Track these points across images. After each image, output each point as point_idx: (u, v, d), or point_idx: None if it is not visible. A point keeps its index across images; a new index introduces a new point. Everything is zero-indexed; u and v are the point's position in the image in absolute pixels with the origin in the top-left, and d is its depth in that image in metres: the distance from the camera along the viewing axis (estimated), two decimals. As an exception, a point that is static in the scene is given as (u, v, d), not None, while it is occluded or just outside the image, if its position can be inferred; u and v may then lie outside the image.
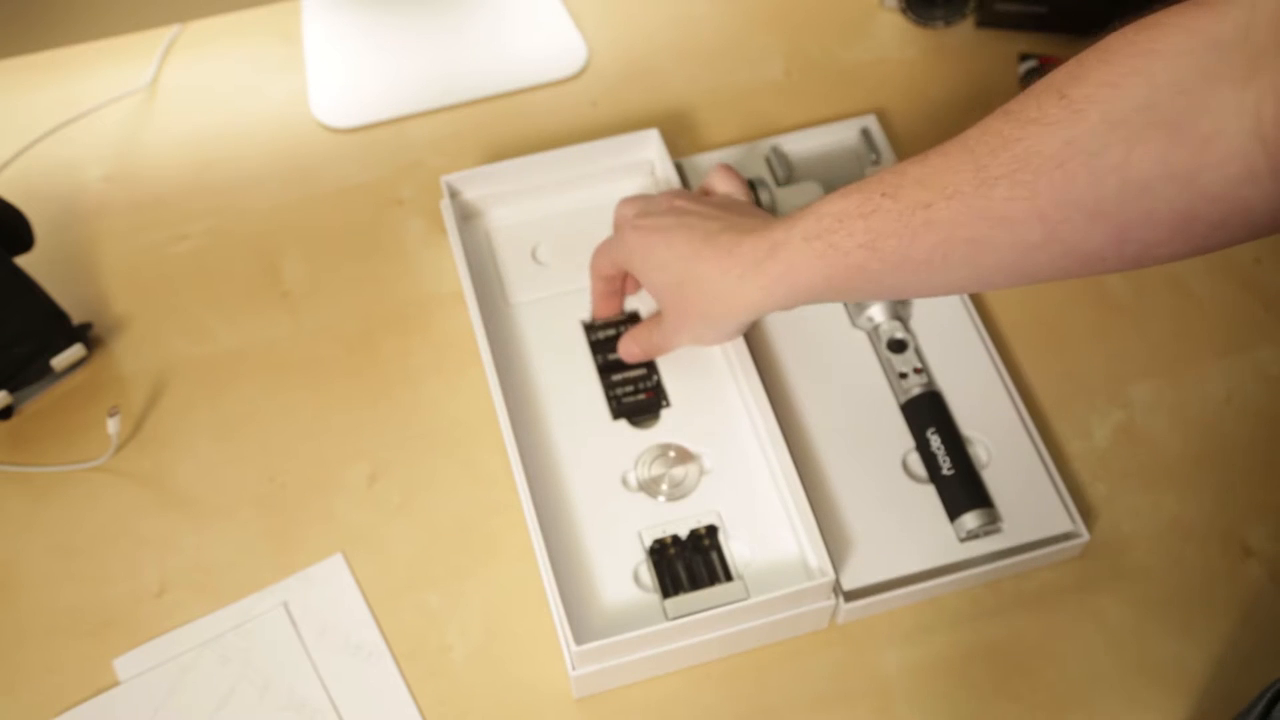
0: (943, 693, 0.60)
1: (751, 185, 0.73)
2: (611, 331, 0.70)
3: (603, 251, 0.67)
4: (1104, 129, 0.44)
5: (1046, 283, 0.50)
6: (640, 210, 0.64)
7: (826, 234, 0.53)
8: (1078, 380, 0.70)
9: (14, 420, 0.69)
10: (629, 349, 0.67)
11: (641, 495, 0.64)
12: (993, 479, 0.64)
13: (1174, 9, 0.44)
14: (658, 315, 0.65)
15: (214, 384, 0.70)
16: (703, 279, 0.59)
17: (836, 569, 0.61)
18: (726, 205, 0.63)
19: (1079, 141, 0.44)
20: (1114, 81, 0.44)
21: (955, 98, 0.83)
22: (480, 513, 0.65)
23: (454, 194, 0.73)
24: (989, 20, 0.85)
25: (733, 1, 0.89)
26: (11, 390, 0.68)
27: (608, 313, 0.70)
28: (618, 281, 0.68)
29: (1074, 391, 0.69)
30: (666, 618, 0.60)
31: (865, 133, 0.78)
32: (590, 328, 0.70)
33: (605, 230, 0.74)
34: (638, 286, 0.70)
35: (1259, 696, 0.52)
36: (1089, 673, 0.61)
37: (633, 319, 0.70)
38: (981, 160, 0.47)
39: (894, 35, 0.86)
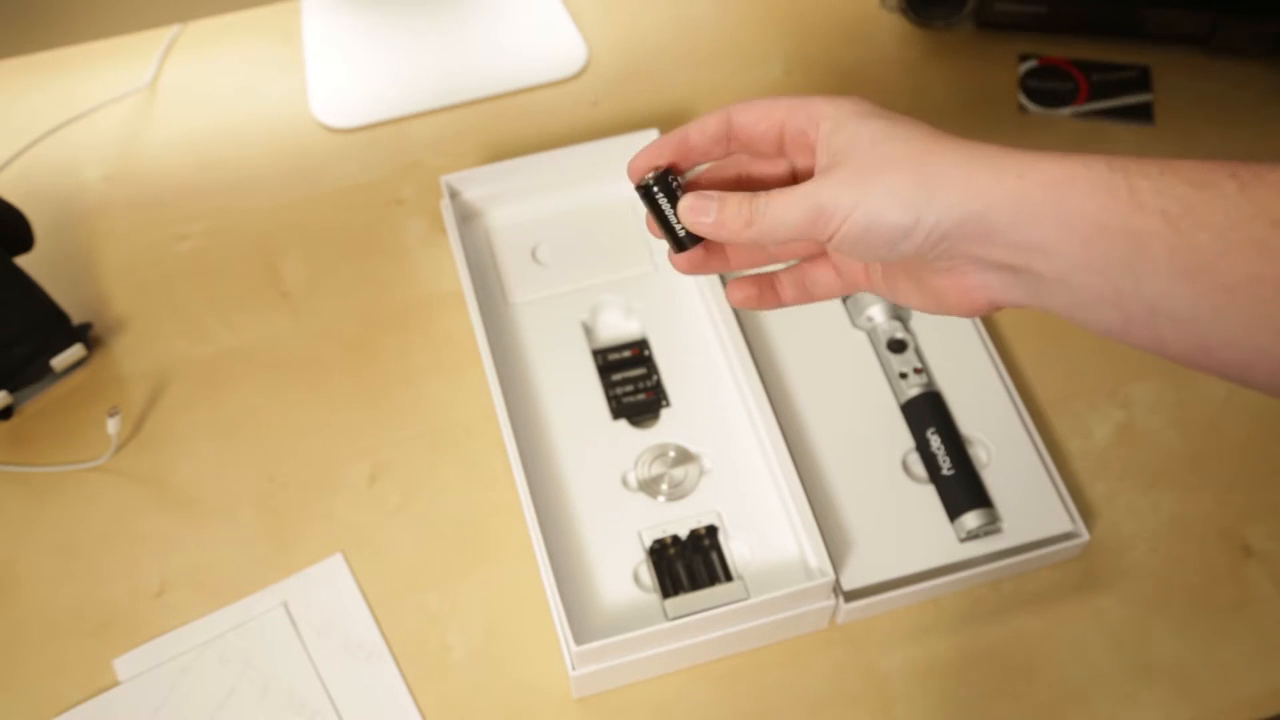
0: (943, 693, 0.60)
1: (752, 185, 0.73)
2: (618, 354, 0.69)
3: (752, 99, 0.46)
4: None
5: None
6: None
7: (1129, 171, 0.38)
8: (1078, 380, 0.70)
9: (14, 420, 0.69)
10: (695, 218, 0.45)
11: (641, 495, 0.64)
12: (993, 479, 0.64)
13: None
14: (823, 172, 0.43)
15: (214, 384, 0.70)
16: (943, 146, 0.41)
17: (836, 569, 0.61)
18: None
19: None
20: None
21: (955, 98, 0.83)
22: (480, 513, 0.65)
23: (454, 194, 0.73)
24: (989, 20, 0.85)
25: (733, 1, 0.89)
26: (11, 390, 0.68)
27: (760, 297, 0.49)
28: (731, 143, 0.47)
29: (1074, 391, 0.69)
30: (666, 618, 0.60)
31: (865, 133, 0.78)
32: (590, 329, 0.70)
33: (605, 230, 0.74)
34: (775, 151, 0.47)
35: None
36: (1089, 673, 0.61)
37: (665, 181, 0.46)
38: None
39: (894, 35, 0.86)
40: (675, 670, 0.60)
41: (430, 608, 0.63)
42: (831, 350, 0.69)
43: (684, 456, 0.65)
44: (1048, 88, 0.83)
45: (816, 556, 0.60)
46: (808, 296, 0.49)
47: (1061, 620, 0.62)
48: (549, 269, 0.73)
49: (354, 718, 0.59)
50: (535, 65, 0.84)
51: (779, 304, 0.50)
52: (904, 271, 0.45)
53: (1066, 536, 0.63)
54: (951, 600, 0.62)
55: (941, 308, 0.45)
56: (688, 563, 0.62)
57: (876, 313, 0.69)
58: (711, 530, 0.63)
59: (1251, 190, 0.36)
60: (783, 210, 0.43)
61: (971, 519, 0.62)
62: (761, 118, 0.45)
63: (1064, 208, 0.39)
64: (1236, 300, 0.36)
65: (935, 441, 0.65)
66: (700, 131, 0.46)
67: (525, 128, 0.81)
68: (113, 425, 0.66)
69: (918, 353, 0.69)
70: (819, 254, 0.49)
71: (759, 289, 0.49)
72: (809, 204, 0.42)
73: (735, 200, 0.44)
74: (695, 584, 0.61)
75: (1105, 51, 0.85)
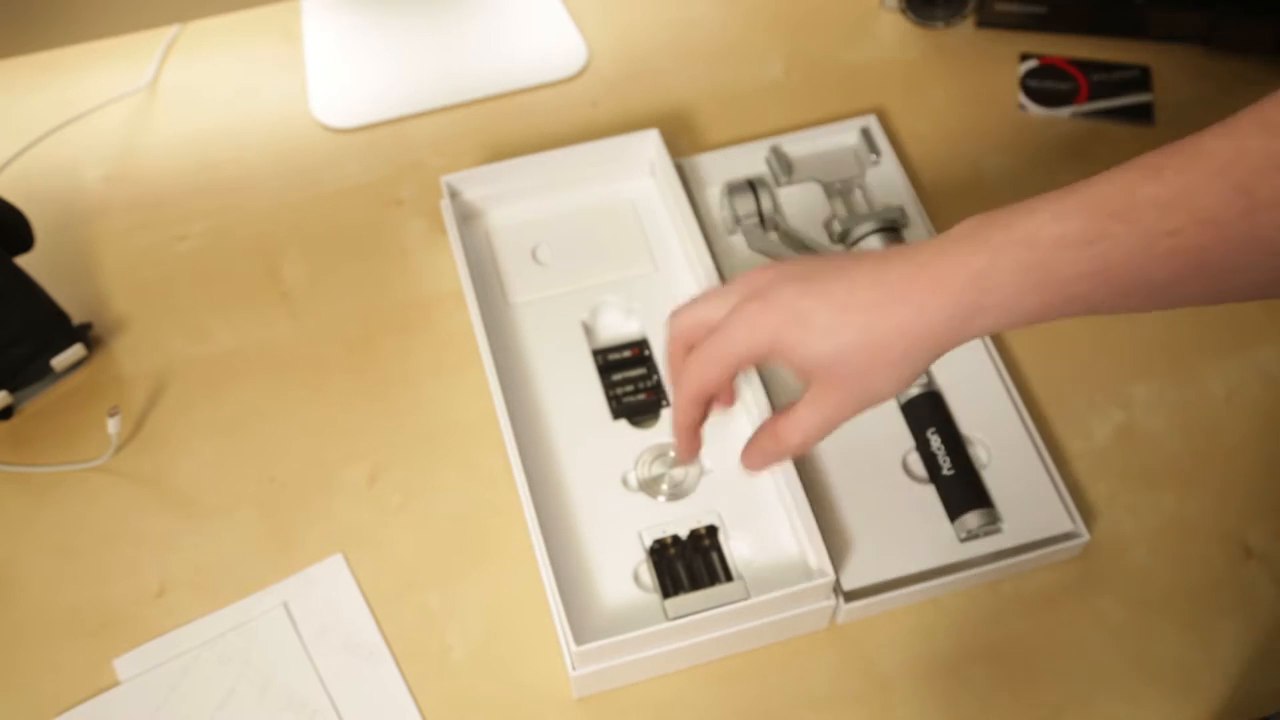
0: (943, 693, 0.60)
1: (751, 185, 0.73)
2: (618, 354, 0.70)
3: (714, 358, 0.51)
4: None
5: None
6: (746, 294, 0.51)
7: (1044, 264, 0.45)
8: (1078, 380, 0.70)
9: (14, 420, 0.69)
10: (760, 464, 0.54)
11: (641, 495, 0.64)
12: (993, 479, 0.64)
13: None
14: (811, 394, 0.51)
15: (214, 384, 0.70)
16: (888, 328, 0.48)
17: (836, 569, 0.61)
18: (829, 255, 0.53)
19: None
20: None
21: (955, 98, 0.83)
22: (480, 513, 0.65)
23: (454, 194, 0.73)
24: (989, 20, 0.85)
25: (733, 1, 0.89)
26: (11, 390, 0.68)
27: (697, 449, 0.57)
28: (707, 404, 0.54)
29: (1074, 391, 0.69)
30: (666, 618, 0.60)
31: (865, 133, 0.78)
32: (590, 329, 0.70)
33: (605, 230, 0.74)
34: (732, 399, 0.57)
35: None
36: (1089, 673, 0.61)
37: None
38: (1244, 183, 0.41)
39: (894, 35, 0.86)
40: (675, 670, 0.60)
41: (430, 608, 0.63)
42: (831, 350, 0.69)
43: (684, 456, 0.65)
44: (1048, 88, 0.83)
45: (816, 556, 0.60)
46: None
47: (1061, 620, 0.62)
48: (549, 269, 0.73)
49: (354, 718, 0.59)
50: (535, 65, 0.84)
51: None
52: None
53: (1066, 536, 0.63)
54: (951, 600, 0.62)
55: None
56: (688, 563, 0.62)
57: (876, 313, 0.69)
58: (711, 530, 0.63)
59: (1129, 218, 0.44)
60: (809, 435, 0.52)
61: (971, 519, 0.62)
62: (725, 382, 0.52)
63: (1010, 317, 0.47)
64: (1166, 293, 0.45)
65: (935, 441, 0.65)
66: (693, 419, 0.55)
67: (525, 128, 0.81)
68: (113, 425, 0.66)
69: (918, 353, 0.68)
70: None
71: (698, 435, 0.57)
72: (827, 424, 0.52)
73: (770, 446, 0.53)
74: (695, 584, 0.61)
75: (1105, 51, 0.85)
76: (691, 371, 0.52)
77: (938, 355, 0.49)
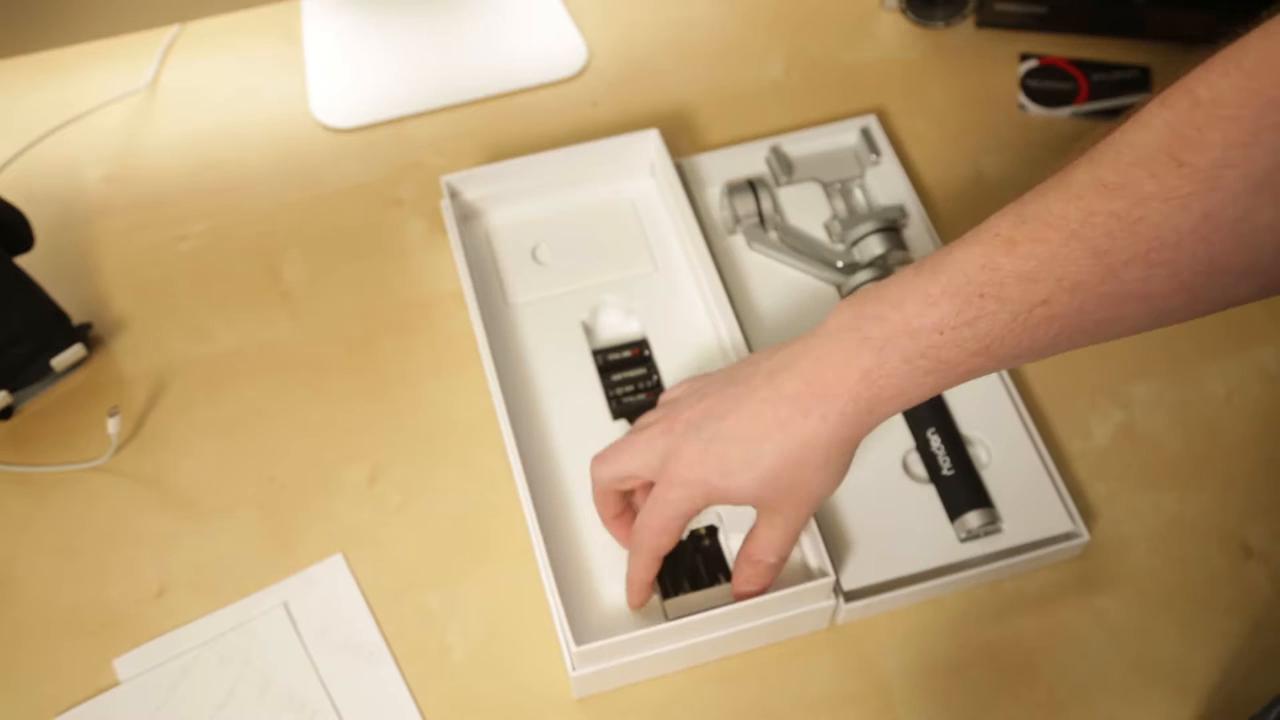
0: (943, 693, 0.60)
1: (751, 185, 0.73)
2: (618, 354, 0.70)
3: (661, 526, 0.55)
4: (1246, 193, 0.39)
5: None
6: (660, 453, 0.54)
7: (931, 351, 0.47)
8: (1078, 380, 0.70)
9: (14, 420, 0.69)
10: (754, 588, 0.58)
11: (641, 495, 0.64)
12: (993, 479, 0.64)
13: (1258, 36, 0.40)
14: (763, 519, 0.55)
15: (214, 384, 0.70)
16: (800, 440, 0.51)
17: (836, 569, 0.61)
18: (710, 381, 0.56)
19: (1221, 212, 0.40)
20: (1246, 141, 0.39)
21: (955, 98, 0.83)
22: (480, 513, 0.65)
23: (454, 194, 0.73)
24: (989, 20, 0.85)
25: (733, 1, 0.89)
26: (11, 390, 0.68)
27: (648, 597, 0.60)
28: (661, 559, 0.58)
29: (1074, 391, 0.69)
30: (666, 618, 0.60)
31: (865, 133, 0.78)
32: (590, 329, 0.70)
33: (605, 230, 0.74)
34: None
35: (1270, 704, 0.52)
36: (1089, 673, 0.61)
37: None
38: (1098, 245, 0.43)
39: (894, 35, 0.86)
40: (675, 670, 0.60)
41: (430, 608, 0.63)
42: (831, 350, 0.69)
43: (684, 456, 0.65)
44: (1048, 88, 0.83)
45: (816, 556, 0.60)
46: None
47: (1061, 620, 0.62)
48: (549, 269, 0.73)
49: (354, 718, 0.59)
50: (535, 65, 0.84)
51: None
52: None
53: (1066, 536, 0.63)
54: (951, 600, 0.62)
55: None
56: (688, 563, 0.62)
57: (876, 313, 0.69)
58: (712, 530, 0.63)
59: (999, 295, 0.45)
60: (782, 551, 0.56)
61: (972, 519, 0.62)
62: (677, 538, 0.56)
63: (912, 398, 0.50)
64: (1054, 349, 0.48)
65: (935, 441, 0.65)
66: (652, 574, 0.58)
67: (525, 128, 0.81)
68: (113, 425, 0.66)
69: (918, 353, 0.69)
70: None
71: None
72: (790, 536, 0.56)
73: (754, 572, 0.57)
74: (695, 584, 0.61)
75: (1105, 51, 0.85)
76: (646, 542, 0.56)
77: (857, 444, 0.52)
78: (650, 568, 0.58)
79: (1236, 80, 0.40)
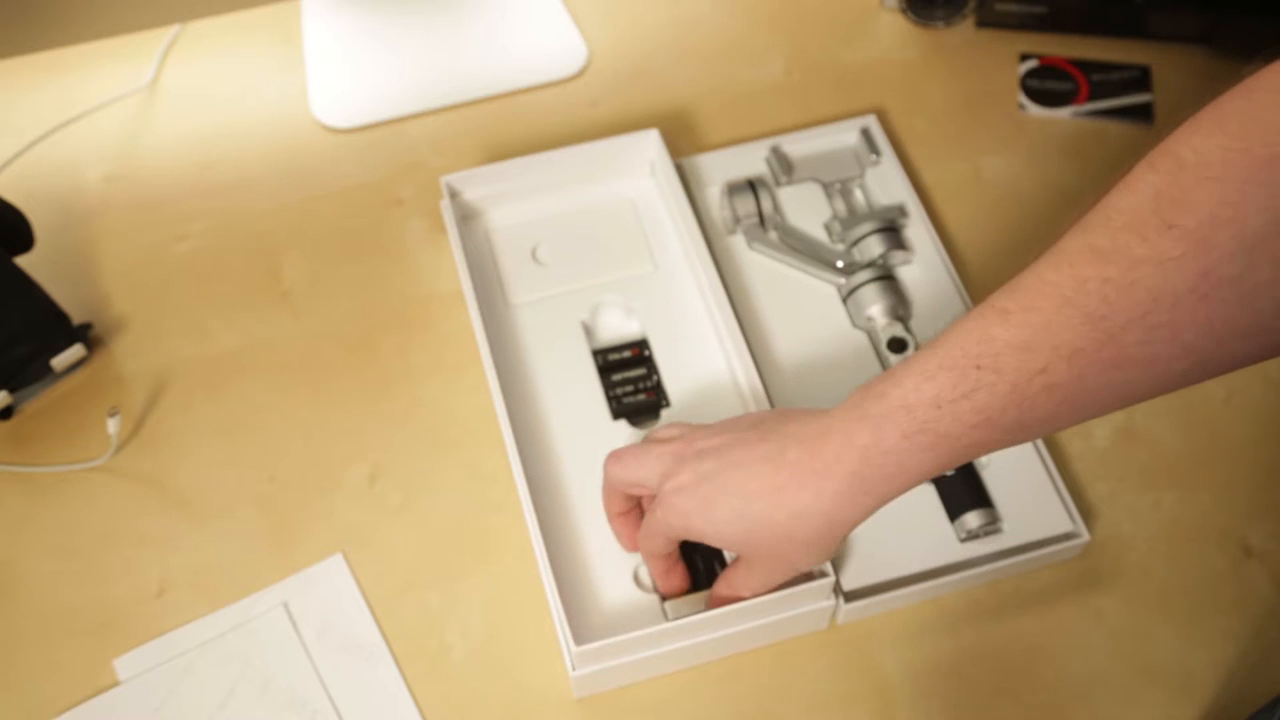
0: (943, 693, 0.60)
1: (751, 185, 0.73)
2: (618, 354, 0.70)
3: (652, 534, 0.56)
4: (1241, 252, 0.39)
5: None
6: (664, 471, 0.55)
7: (930, 425, 0.47)
8: (1078, 380, 0.70)
9: (14, 420, 0.69)
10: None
11: (641, 495, 0.64)
12: (993, 479, 0.64)
13: (1239, 96, 0.40)
14: (742, 563, 0.56)
15: (214, 384, 0.70)
16: (791, 511, 0.51)
17: (836, 569, 0.61)
18: (738, 421, 0.56)
19: (1217, 271, 0.40)
20: (1234, 200, 0.39)
21: (955, 98, 0.83)
22: (480, 513, 0.65)
23: (454, 194, 0.73)
24: (989, 20, 0.85)
25: (733, 1, 0.89)
26: (11, 390, 0.68)
27: (678, 585, 0.60)
28: (676, 551, 0.59)
29: (1074, 391, 0.69)
30: (666, 618, 0.60)
31: (865, 133, 0.78)
32: (590, 329, 0.70)
33: (605, 230, 0.74)
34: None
35: (1271, 704, 0.52)
36: (1089, 673, 0.61)
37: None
38: (1093, 310, 0.42)
39: (894, 35, 0.86)
40: (675, 670, 0.60)
41: (430, 608, 0.63)
42: (832, 350, 0.69)
43: (684, 456, 0.65)
44: (1048, 88, 0.83)
45: (816, 556, 0.60)
46: None
47: (1061, 620, 0.62)
48: (549, 269, 0.73)
49: (354, 718, 0.59)
50: (535, 65, 0.84)
51: None
52: None
53: (1066, 536, 0.63)
54: (951, 600, 0.62)
55: None
56: (688, 563, 0.62)
57: (876, 312, 0.69)
58: (711, 530, 0.63)
59: (996, 367, 0.45)
60: (756, 592, 0.57)
61: (972, 519, 0.62)
62: (664, 543, 0.57)
63: (913, 477, 0.49)
64: (1057, 420, 0.46)
65: (935, 441, 0.65)
66: (669, 561, 0.59)
67: (525, 128, 0.81)
68: (113, 425, 0.66)
69: (918, 353, 0.69)
70: None
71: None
72: (765, 587, 0.56)
73: (721, 600, 0.58)
74: (695, 584, 0.61)
75: (1105, 51, 0.85)
76: (644, 545, 0.58)
77: (851, 529, 0.51)
78: (657, 567, 0.59)
79: (1220, 141, 0.40)
